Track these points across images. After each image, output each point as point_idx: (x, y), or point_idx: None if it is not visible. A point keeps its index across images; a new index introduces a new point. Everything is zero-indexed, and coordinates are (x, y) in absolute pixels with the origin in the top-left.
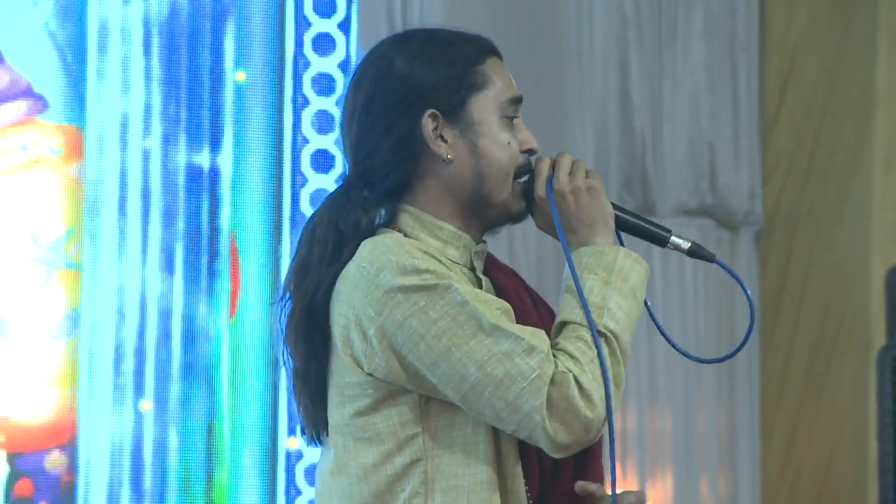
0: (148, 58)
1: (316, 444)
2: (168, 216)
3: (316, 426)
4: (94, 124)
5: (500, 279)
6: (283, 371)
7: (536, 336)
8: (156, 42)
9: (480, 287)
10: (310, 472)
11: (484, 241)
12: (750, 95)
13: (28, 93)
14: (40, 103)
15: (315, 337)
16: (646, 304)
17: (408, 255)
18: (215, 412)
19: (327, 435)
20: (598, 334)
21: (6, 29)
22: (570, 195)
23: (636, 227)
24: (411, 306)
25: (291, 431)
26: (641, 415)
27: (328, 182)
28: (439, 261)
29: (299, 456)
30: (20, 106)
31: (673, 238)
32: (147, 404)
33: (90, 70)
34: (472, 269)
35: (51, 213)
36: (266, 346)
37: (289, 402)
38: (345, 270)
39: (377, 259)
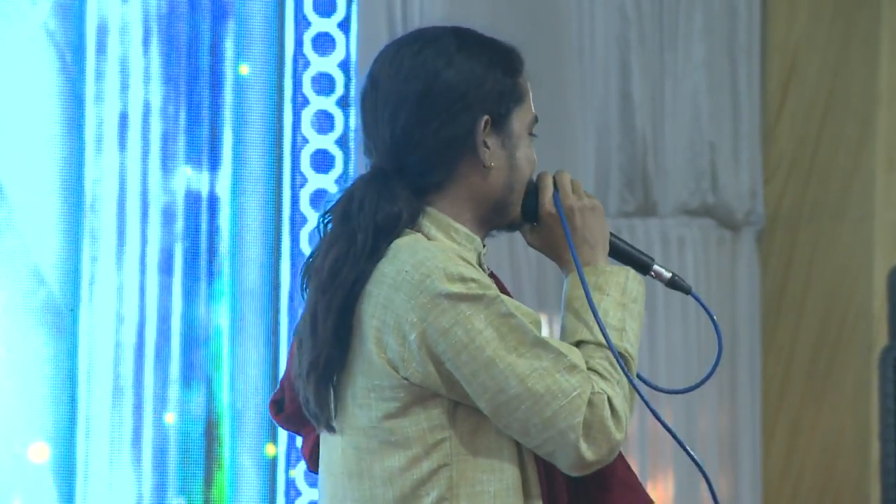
0: (147, 57)
1: (331, 430)
2: (167, 216)
3: (332, 411)
4: (92, 124)
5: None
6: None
7: (575, 354)
8: (155, 41)
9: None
10: (309, 474)
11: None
12: (751, 95)
13: None
14: None
15: (343, 329)
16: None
17: (454, 263)
18: (215, 413)
19: (337, 422)
20: (619, 356)
21: (4, 28)
22: (579, 213)
23: (624, 251)
24: (457, 314)
25: (291, 433)
26: (642, 414)
27: (328, 182)
28: (478, 270)
29: (299, 457)
30: None
31: (655, 267)
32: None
33: (89, 69)
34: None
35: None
36: (266, 346)
37: None
38: (378, 271)
39: (422, 264)
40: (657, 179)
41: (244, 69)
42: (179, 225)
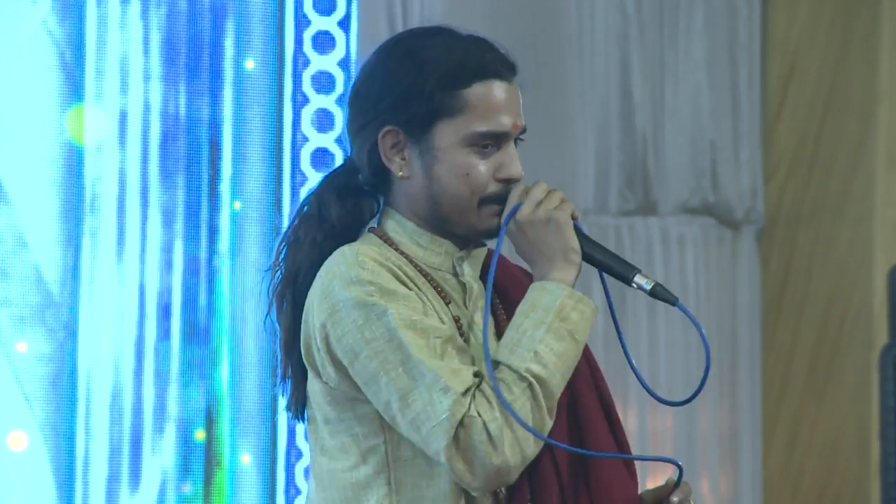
0: (147, 56)
1: (300, 419)
2: (167, 214)
3: (298, 400)
4: (92, 123)
5: (507, 284)
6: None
7: (457, 375)
8: (155, 40)
9: (465, 292)
10: (310, 473)
11: (483, 244)
12: (752, 93)
13: None
14: None
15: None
16: (620, 338)
17: (356, 266)
18: (214, 411)
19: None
20: (521, 379)
21: (5, 26)
22: (529, 227)
23: (601, 263)
24: (350, 323)
25: (291, 430)
26: (642, 414)
27: None
28: (394, 273)
29: (299, 455)
30: None
31: (637, 278)
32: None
33: (89, 68)
34: (455, 274)
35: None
36: (266, 344)
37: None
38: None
39: (331, 269)
40: (657, 178)
41: (250, 63)
42: (179, 223)
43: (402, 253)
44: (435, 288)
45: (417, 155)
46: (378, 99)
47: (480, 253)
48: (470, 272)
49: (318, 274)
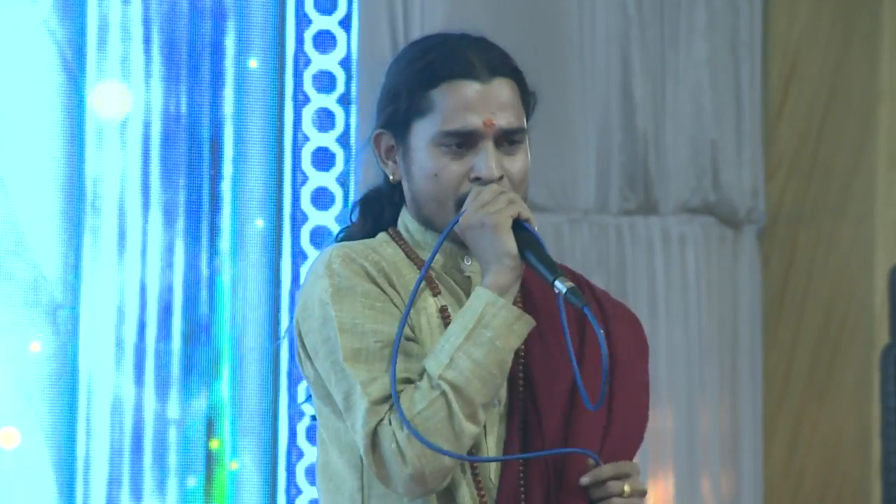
0: (148, 55)
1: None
2: (168, 214)
3: None
4: (93, 122)
5: (535, 290)
6: (283, 370)
7: (374, 383)
8: (156, 40)
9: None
10: (310, 472)
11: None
12: (753, 93)
13: None
14: None
15: None
16: (569, 345)
17: (323, 263)
18: (215, 410)
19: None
20: (435, 387)
21: (6, 26)
22: (468, 231)
23: (532, 266)
24: (314, 321)
25: (292, 430)
26: None
27: (329, 180)
28: (365, 270)
29: (300, 455)
30: None
31: (556, 283)
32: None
33: (90, 67)
34: (461, 270)
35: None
36: (267, 344)
37: (289, 400)
38: None
39: (310, 267)
40: (658, 177)
41: (252, 63)
42: (180, 223)
43: (408, 250)
44: (429, 283)
45: (402, 156)
46: (380, 102)
47: None
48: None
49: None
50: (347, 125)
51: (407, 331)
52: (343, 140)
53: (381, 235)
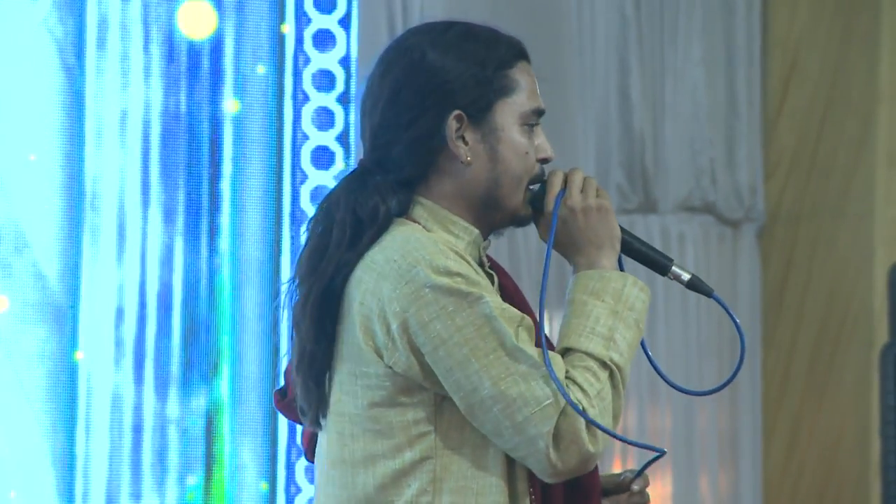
0: (147, 54)
1: (318, 426)
2: (167, 212)
3: (319, 408)
4: (92, 120)
5: (502, 280)
6: (283, 368)
7: (556, 362)
8: (155, 38)
9: (493, 283)
10: (310, 470)
11: (488, 240)
12: (752, 92)
13: None
14: None
15: (326, 320)
16: (642, 343)
17: (442, 255)
18: (215, 408)
19: (325, 418)
20: (604, 366)
21: (5, 25)
22: (581, 213)
23: (640, 252)
24: (439, 309)
25: (291, 428)
26: (641, 412)
27: (328, 178)
28: (469, 265)
29: (300, 453)
30: None
31: (674, 268)
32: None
33: (89, 66)
34: (481, 264)
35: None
36: (266, 342)
37: None
38: (368, 258)
39: (410, 254)
40: (658, 176)
41: (253, 61)
42: (180, 222)
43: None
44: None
45: (480, 138)
46: (437, 86)
47: (489, 246)
48: (487, 263)
49: (384, 256)
50: (347, 124)
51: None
52: (342, 139)
53: (411, 225)
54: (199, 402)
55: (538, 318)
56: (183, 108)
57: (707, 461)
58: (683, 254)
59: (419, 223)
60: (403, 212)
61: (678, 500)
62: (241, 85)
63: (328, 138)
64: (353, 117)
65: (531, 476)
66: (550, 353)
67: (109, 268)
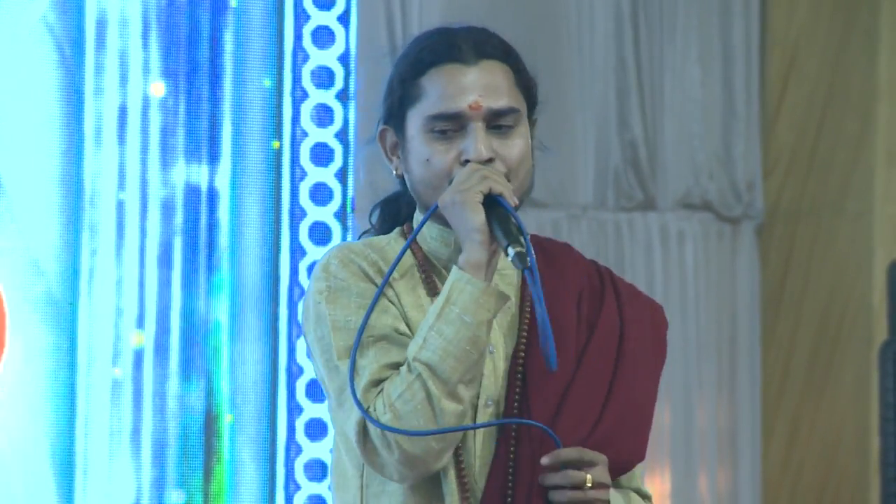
0: (146, 51)
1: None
2: (166, 210)
3: None
4: (91, 118)
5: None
6: (282, 366)
7: (357, 374)
8: (154, 35)
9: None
10: (309, 468)
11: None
12: (751, 90)
13: None
14: None
15: None
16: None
17: (321, 266)
18: (214, 407)
19: None
20: (410, 369)
21: (4, 22)
22: (444, 212)
23: (495, 238)
24: (309, 323)
25: (290, 426)
26: None
27: (327, 176)
28: (362, 269)
29: (299, 451)
30: None
31: (508, 248)
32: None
33: (88, 63)
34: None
35: None
36: (265, 340)
37: (288, 397)
38: None
39: (314, 267)
40: (656, 174)
41: (251, 59)
42: (179, 219)
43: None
44: (426, 280)
45: (402, 150)
46: (382, 101)
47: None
48: None
49: None
50: (346, 121)
51: (402, 326)
52: (341, 136)
53: (395, 231)
54: (198, 399)
55: (538, 317)
56: (182, 104)
57: (706, 459)
58: (682, 251)
59: (413, 228)
60: (409, 220)
61: (677, 497)
62: (240, 82)
63: (327, 135)
64: (352, 114)
65: (463, 479)
66: (365, 363)
67: (108, 264)
